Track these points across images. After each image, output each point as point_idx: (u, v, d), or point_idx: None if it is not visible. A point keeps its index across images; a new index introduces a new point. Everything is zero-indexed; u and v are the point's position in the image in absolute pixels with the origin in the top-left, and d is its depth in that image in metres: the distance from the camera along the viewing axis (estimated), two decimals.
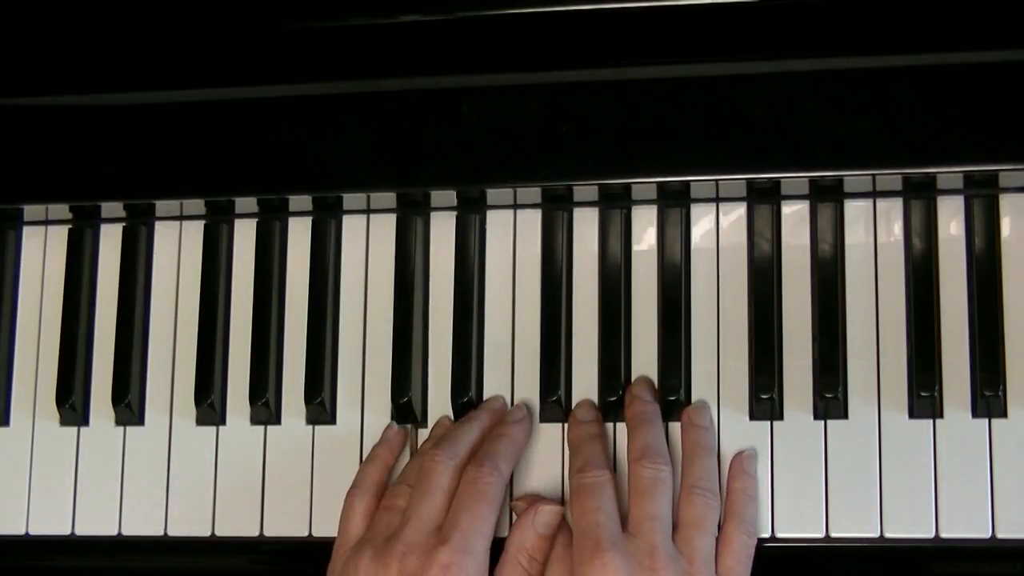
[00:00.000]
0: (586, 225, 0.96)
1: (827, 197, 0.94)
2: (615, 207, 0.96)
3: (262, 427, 0.98)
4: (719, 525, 0.89)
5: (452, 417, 0.96)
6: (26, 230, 1.03)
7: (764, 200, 0.94)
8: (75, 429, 1.00)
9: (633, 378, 0.94)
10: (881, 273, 0.93)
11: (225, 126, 0.96)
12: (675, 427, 0.93)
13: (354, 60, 0.95)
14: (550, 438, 0.94)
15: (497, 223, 0.97)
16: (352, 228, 0.99)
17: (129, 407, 0.98)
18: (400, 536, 0.88)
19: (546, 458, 0.94)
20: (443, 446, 0.91)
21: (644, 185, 0.94)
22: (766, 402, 0.91)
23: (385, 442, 0.95)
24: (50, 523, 0.99)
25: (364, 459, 0.95)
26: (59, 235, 1.02)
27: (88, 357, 1.00)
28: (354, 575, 0.88)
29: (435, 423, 0.96)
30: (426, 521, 0.88)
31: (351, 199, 0.98)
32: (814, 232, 0.94)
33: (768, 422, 0.92)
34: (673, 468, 0.90)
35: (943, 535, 0.89)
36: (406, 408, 0.95)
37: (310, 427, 0.97)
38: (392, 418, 0.96)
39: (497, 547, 0.89)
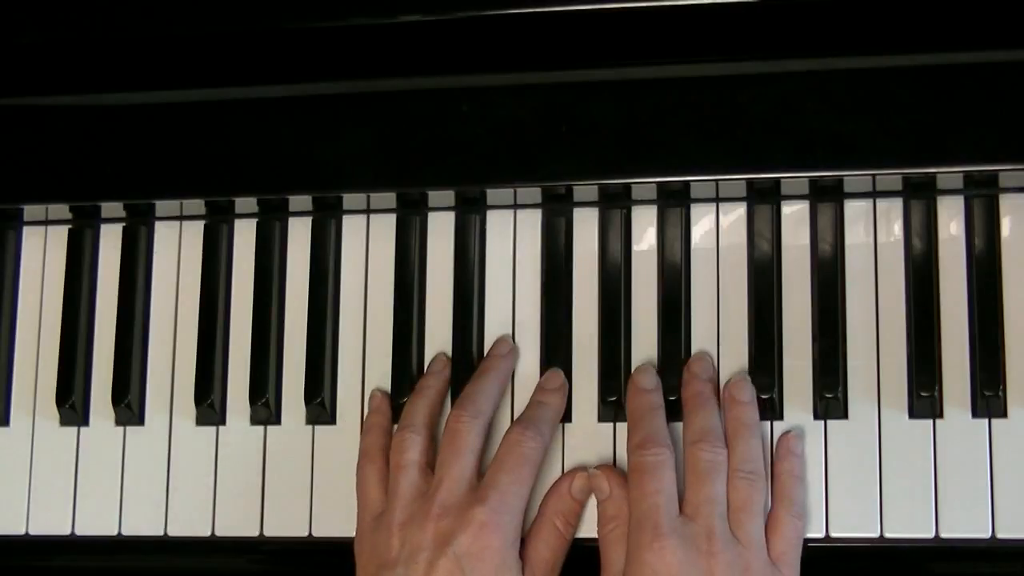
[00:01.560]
0: (586, 225, 0.96)
1: (827, 197, 0.94)
2: (615, 207, 0.96)
3: (262, 427, 0.98)
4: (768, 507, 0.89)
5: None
6: (26, 230, 1.03)
7: (764, 200, 0.94)
8: (75, 429, 1.00)
9: None
10: (881, 273, 0.93)
11: (225, 126, 0.96)
12: (676, 427, 0.92)
13: (354, 60, 0.95)
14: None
15: (497, 223, 0.97)
16: (352, 228, 0.99)
17: (129, 407, 0.98)
18: (435, 498, 0.88)
19: (547, 458, 0.94)
20: (466, 405, 0.91)
21: (644, 185, 0.94)
22: (766, 402, 0.91)
23: (376, 410, 0.95)
24: (50, 523, 0.99)
25: (362, 431, 0.95)
26: (59, 235, 1.02)
27: (88, 357, 1.00)
28: (387, 541, 0.88)
29: (432, 359, 0.96)
30: (459, 481, 0.89)
31: (351, 199, 0.98)
32: (814, 232, 0.94)
33: (768, 422, 0.92)
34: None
35: (943, 535, 0.89)
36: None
37: (310, 427, 0.97)
38: (393, 418, 0.96)
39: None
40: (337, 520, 0.95)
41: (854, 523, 0.90)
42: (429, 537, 0.87)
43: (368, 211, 0.99)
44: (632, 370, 0.94)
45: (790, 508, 0.89)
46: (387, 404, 0.95)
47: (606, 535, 0.89)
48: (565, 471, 0.93)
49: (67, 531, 0.98)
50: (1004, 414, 0.90)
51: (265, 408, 0.97)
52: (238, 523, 0.97)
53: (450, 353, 0.96)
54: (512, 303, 0.96)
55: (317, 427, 0.97)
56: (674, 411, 0.92)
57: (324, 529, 0.95)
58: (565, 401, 0.93)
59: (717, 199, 0.95)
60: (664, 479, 0.87)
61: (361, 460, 0.93)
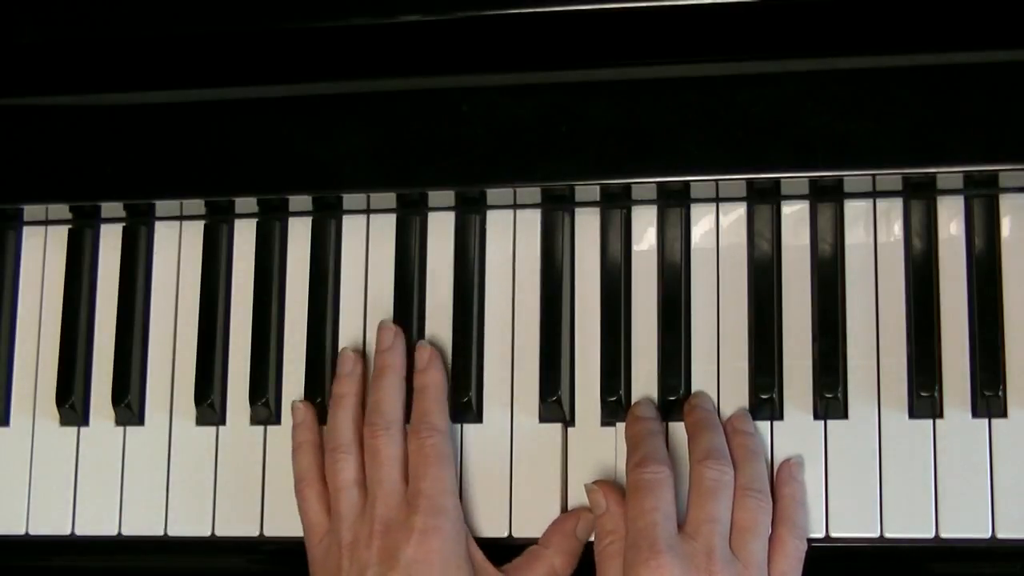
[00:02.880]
0: (586, 225, 0.96)
1: (827, 197, 0.93)
2: (615, 207, 0.96)
3: (262, 427, 0.98)
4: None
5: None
6: (26, 230, 1.03)
7: (764, 200, 0.94)
8: (75, 429, 1.00)
9: (633, 378, 0.94)
10: (881, 273, 0.93)
11: (225, 126, 0.96)
12: (675, 427, 0.92)
13: (354, 60, 0.95)
14: (551, 438, 0.94)
15: (497, 223, 0.97)
16: (352, 228, 0.99)
17: (129, 407, 0.98)
18: (373, 515, 0.90)
19: (547, 458, 0.94)
20: (375, 418, 0.93)
21: (644, 185, 0.94)
22: (766, 402, 0.91)
23: (301, 424, 0.96)
24: (50, 523, 0.99)
25: (293, 450, 0.95)
26: (59, 235, 1.02)
27: (88, 357, 1.00)
28: (338, 563, 0.90)
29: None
30: (392, 494, 0.91)
31: (351, 199, 0.98)
32: (814, 232, 0.94)
33: (768, 422, 0.92)
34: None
35: (943, 535, 0.89)
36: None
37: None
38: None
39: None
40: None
41: (854, 523, 0.90)
42: (375, 553, 0.89)
43: (368, 211, 0.99)
44: (632, 370, 0.94)
45: (792, 529, 0.89)
46: (312, 415, 0.96)
47: (602, 550, 0.89)
48: (568, 476, 0.93)
49: (67, 531, 0.98)
50: (1004, 414, 0.90)
51: (265, 408, 0.97)
52: (238, 523, 0.97)
53: (450, 353, 0.96)
54: (512, 303, 0.96)
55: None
56: (673, 413, 0.92)
57: None
58: (444, 371, 0.94)
59: (717, 199, 0.95)
60: (662, 497, 0.87)
61: (298, 485, 0.94)
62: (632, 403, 0.93)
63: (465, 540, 0.91)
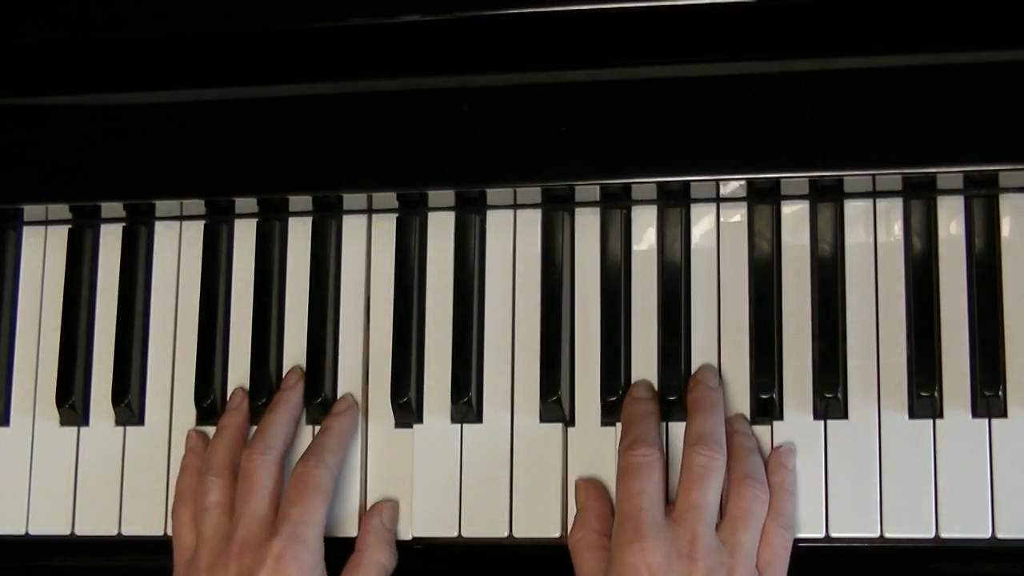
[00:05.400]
0: (586, 225, 0.96)
1: (827, 197, 0.93)
2: (615, 207, 0.96)
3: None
4: None
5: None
6: (26, 230, 1.03)
7: (764, 200, 0.94)
8: (75, 429, 1.00)
9: (633, 378, 0.94)
10: (881, 273, 0.93)
11: (225, 126, 0.96)
12: (675, 427, 0.92)
13: (354, 60, 0.95)
14: (550, 438, 0.94)
15: (497, 223, 0.97)
16: (352, 228, 0.99)
17: (129, 407, 0.98)
18: (234, 537, 0.90)
19: (547, 458, 0.94)
20: (256, 443, 0.93)
21: (644, 185, 0.94)
22: (766, 402, 0.91)
23: (191, 450, 0.97)
24: (50, 523, 0.99)
25: (180, 470, 0.96)
26: (59, 235, 1.02)
27: (88, 357, 1.00)
28: None
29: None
30: (255, 518, 0.91)
31: (351, 199, 0.98)
32: (814, 232, 0.94)
33: (768, 422, 0.92)
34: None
35: (943, 535, 0.89)
36: (406, 408, 0.95)
37: (310, 427, 0.97)
38: (393, 418, 0.96)
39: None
40: (337, 519, 0.95)
41: (854, 523, 0.90)
42: (232, 575, 0.89)
43: (368, 211, 0.99)
44: (632, 370, 0.94)
45: (778, 519, 0.89)
46: (203, 444, 0.96)
47: (576, 542, 0.90)
48: (568, 477, 0.93)
49: (67, 531, 0.98)
50: (1004, 414, 0.90)
51: (265, 408, 0.97)
52: None
53: (450, 353, 0.96)
54: (512, 303, 0.96)
55: (318, 427, 0.97)
56: (673, 412, 0.92)
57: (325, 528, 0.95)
58: (355, 422, 0.95)
59: (717, 199, 0.95)
60: (649, 480, 0.87)
61: (175, 504, 0.95)
62: (631, 385, 0.94)
63: (321, 573, 0.91)
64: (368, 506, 0.95)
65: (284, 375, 0.97)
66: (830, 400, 0.91)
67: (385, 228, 0.98)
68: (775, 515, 0.89)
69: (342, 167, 0.95)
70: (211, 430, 0.97)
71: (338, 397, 0.97)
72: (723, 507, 0.89)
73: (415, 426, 0.96)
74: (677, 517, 0.87)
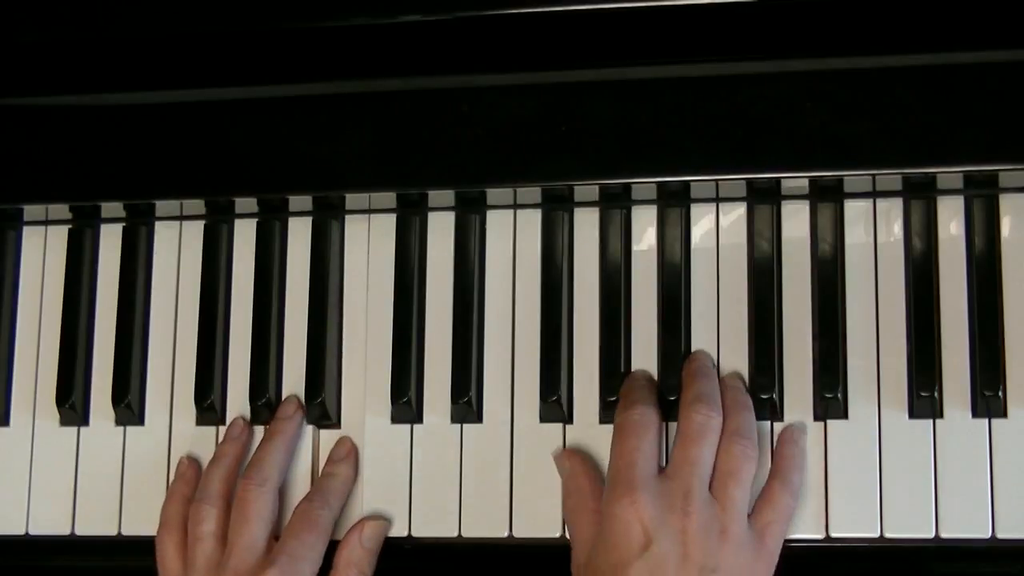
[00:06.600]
0: (586, 225, 0.96)
1: (827, 197, 0.94)
2: (615, 207, 0.96)
3: (262, 428, 0.98)
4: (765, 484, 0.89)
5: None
6: (26, 230, 1.03)
7: (764, 200, 0.94)
8: (75, 429, 1.00)
9: None
10: (881, 273, 0.93)
11: (225, 126, 0.96)
12: (675, 427, 0.92)
13: (354, 60, 0.95)
14: (550, 438, 0.94)
15: (497, 223, 0.97)
16: (352, 228, 0.99)
17: (129, 407, 0.98)
18: (226, 566, 0.90)
19: (547, 458, 0.94)
20: (252, 474, 0.93)
21: (644, 185, 0.94)
22: (766, 402, 0.91)
23: (180, 476, 0.96)
24: (50, 523, 0.99)
25: (166, 496, 0.96)
26: (59, 235, 1.02)
27: (88, 357, 1.00)
28: None
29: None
30: (249, 548, 0.91)
31: (352, 199, 0.98)
32: (814, 232, 0.94)
33: (768, 422, 0.92)
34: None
35: (943, 535, 0.89)
36: (405, 408, 0.95)
37: (311, 427, 0.97)
38: (392, 418, 0.96)
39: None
40: (349, 521, 0.94)
41: (854, 523, 0.90)
42: None
43: (368, 211, 0.99)
44: (631, 369, 0.94)
45: (786, 485, 0.89)
46: (194, 470, 0.96)
47: (569, 509, 0.90)
48: None
49: (67, 531, 0.98)
50: (1004, 414, 0.90)
51: (265, 408, 0.97)
52: None
53: (450, 352, 0.96)
54: (512, 303, 0.96)
55: (317, 428, 0.97)
56: (673, 413, 0.92)
57: None
58: (355, 469, 0.95)
59: (717, 199, 0.95)
60: (644, 438, 0.88)
61: (160, 530, 0.95)
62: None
63: None
64: (365, 505, 0.95)
65: (281, 403, 0.97)
66: (830, 400, 0.91)
67: (385, 228, 0.98)
68: (782, 480, 0.89)
69: (342, 167, 0.95)
70: (211, 430, 0.98)
71: (340, 397, 0.97)
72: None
73: (415, 426, 0.96)
74: (671, 472, 0.87)
